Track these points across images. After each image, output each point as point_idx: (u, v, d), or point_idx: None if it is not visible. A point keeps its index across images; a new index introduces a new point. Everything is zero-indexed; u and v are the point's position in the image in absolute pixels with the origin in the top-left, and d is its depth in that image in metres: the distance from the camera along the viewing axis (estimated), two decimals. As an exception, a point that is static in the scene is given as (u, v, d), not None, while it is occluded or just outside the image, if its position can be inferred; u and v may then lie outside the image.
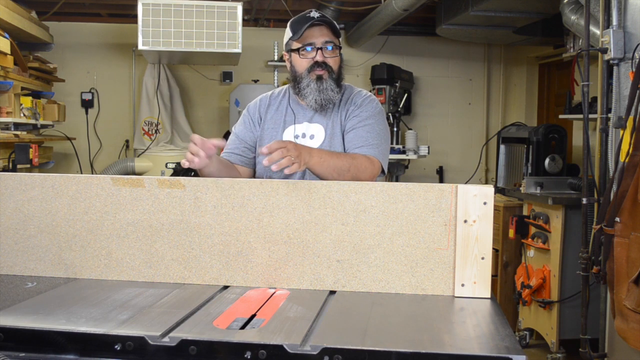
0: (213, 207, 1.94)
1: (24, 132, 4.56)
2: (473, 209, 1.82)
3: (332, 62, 2.29)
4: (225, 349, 1.42)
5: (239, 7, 4.89)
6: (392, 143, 5.68)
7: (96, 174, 6.20)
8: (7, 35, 4.25)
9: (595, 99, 3.51)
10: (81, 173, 6.10)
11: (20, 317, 1.59)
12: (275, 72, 6.43)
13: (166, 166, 5.72)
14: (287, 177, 2.13)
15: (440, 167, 6.79)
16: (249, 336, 1.47)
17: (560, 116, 4.67)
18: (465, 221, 1.83)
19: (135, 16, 4.85)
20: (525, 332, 4.27)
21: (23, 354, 1.45)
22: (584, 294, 3.34)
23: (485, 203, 1.82)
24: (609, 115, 3.15)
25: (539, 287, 3.98)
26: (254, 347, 1.40)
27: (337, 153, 2.22)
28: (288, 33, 2.32)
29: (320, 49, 2.27)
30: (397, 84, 5.91)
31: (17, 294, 1.80)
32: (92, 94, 6.35)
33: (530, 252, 4.15)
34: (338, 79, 2.32)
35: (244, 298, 1.80)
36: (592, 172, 3.36)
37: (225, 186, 1.93)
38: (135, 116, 6.22)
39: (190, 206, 1.94)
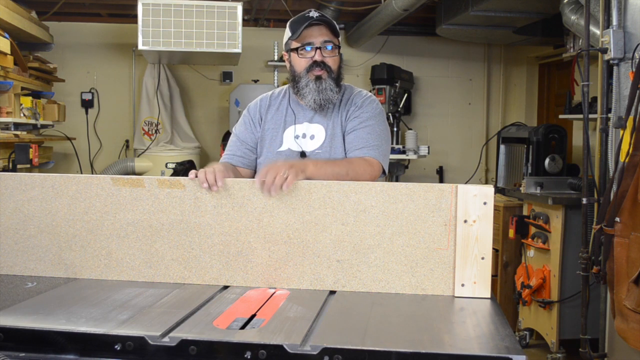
0: (213, 207, 1.94)
1: (24, 132, 4.56)
2: (473, 209, 1.82)
3: (331, 62, 2.29)
4: (225, 349, 1.42)
5: (239, 7, 4.89)
6: (392, 143, 5.68)
7: (96, 174, 6.20)
8: (7, 35, 4.25)
9: (595, 99, 3.51)
10: (81, 173, 6.10)
11: (20, 317, 1.59)
12: (275, 72, 6.43)
13: (166, 166, 5.72)
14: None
15: (440, 167, 6.79)
16: (249, 336, 1.47)
17: (560, 116, 4.66)
18: (465, 221, 1.83)
19: (135, 16, 4.85)
20: (525, 332, 4.27)
21: (23, 354, 1.45)
22: (584, 294, 3.34)
23: (485, 203, 1.82)
24: (609, 115, 3.15)
25: (539, 287, 3.98)
26: (254, 347, 1.40)
27: (332, 160, 2.22)
28: (287, 33, 2.32)
29: (319, 48, 2.27)
30: (397, 84, 5.91)
31: (17, 294, 1.80)
32: (92, 94, 6.35)
33: (530, 252, 4.15)
34: (337, 79, 2.31)
35: (244, 298, 1.80)
36: (592, 172, 3.36)
37: (225, 186, 1.93)
38: (135, 116, 6.22)
39: (190, 206, 1.95)
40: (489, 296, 1.84)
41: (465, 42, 6.45)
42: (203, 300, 1.76)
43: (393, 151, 5.55)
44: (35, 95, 4.82)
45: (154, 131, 6.02)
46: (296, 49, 2.29)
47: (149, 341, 1.43)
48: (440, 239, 1.85)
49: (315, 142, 2.33)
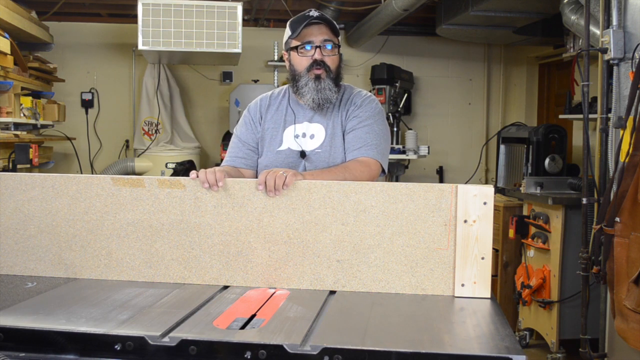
0: (213, 207, 1.94)
1: (24, 132, 4.56)
2: (473, 209, 1.82)
3: (331, 61, 2.29)
4: (225, 349, 1.42)
5: (239, 7, 4.89)
6: (392, 143, 5.68)
7: (96, 174, 6.20)
8: (7, 35, 4.25)
9: (595, 99, 3.51)
10: (81, 173, 6.10)
11: (20, 317, 1.59)
12: (275, 72, 6.43)
13: (166, 166, 5.72)
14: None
15: (440, 167, 6.79)
16: (249, 336, 1.47)
17: (560, 116, 4.66)
18: (465, 221, 1.83)
19: (135, 16, 4.85)
20: (525, 332, 4.26)
21: (23, 354, 1.45)
22: (584, 294, 3.34)
23: (485, 203, 1.82)
24: (609, 115, 3.15)
25: (539, 287, 3.98)
26: (254, 347, 1.40)
27: (327, 168, 2.22)
28: (287, 32, 2.33)
29: (319, 47, 2.27)
30: (397, 84, 5.91)
31: (17, 294, 1.80)
32: (92, 94, 6.35)
33: (530, 252, 4.15)
34: (336, 79, 2.31)
35: (244, 298, 1.80)
36: (592, 172, 3.36)
37: (226, 186, 1.93)
38: (135, 116, 6.22)
39: (190, 206, 1.95)
40: (489, 296, 1.84)
41: (465, 42, 6.45)
42: (203, 300, 1.76)
43: (393, 151, 5.55)
44: (35, 95, 4.82)
45: (154, 131, 6.02)
46: (296, 48, 2.29)
47: (149, 341, 1.43)
48: (440, 239, 1.85)
49: (315, 141, 2.33)
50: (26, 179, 2.02)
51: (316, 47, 2.27)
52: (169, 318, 1.57)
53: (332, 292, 1.89)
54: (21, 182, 2.02)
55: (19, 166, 4.23)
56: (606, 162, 3.18)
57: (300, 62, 2.29)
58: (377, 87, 5.93)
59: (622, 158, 2.76)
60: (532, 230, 4.11)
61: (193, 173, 1.97)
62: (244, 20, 5.04)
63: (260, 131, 2.40)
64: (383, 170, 2.30)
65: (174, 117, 6.13)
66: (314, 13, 2.27)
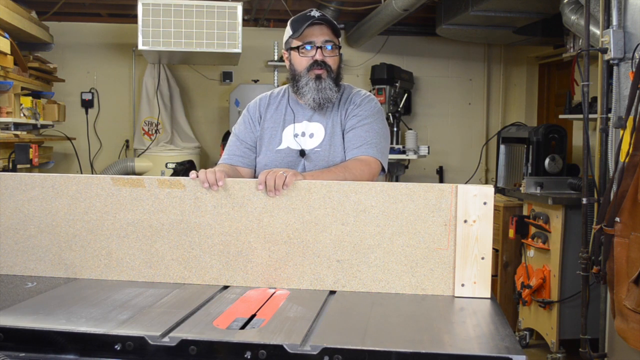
0: (213, 207, 1.94)
1: (24, 132, 4.56)
2: (473, 209, 1.82)
3: (331, 62, 2.29)
4: (225, 349, 1.42)
5: (239, 7, 4.89)
6: (392, 143, 5.68)
7: (96, 174, 6.20)
8: (7, 35, 4.25)
9: (595, 99, 3.51)
10: (81, 173, 6.10)
11: (20, 317, 1.59)
12: (275, 72, 6.43)
13: (166, 166, 5.72)
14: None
15: (440, 167, 6.79)
16: (249, 336, 1.47)
17: (560, 116, 4.66)
18: (465, 221, 1.83)
19: (135, 16, 4.85)
20: (525, 332, 4.26)
21: (23, 354, 1.45)
22: (584, 294, 3.34)
23: (485, 203, 1.82)
24: (609, 115, 3.15)
25: (539, 287, 3.98)
26: (254, 347, 1.40)
27: (327, 168, 2.22)
28: (288, 31, 2.33)
29: (320, 47, 2.27)
30: (397, 84, 5.91)
31: (17, 294, 1.80)
32: (92, 94, 6.35)
33: (530, 252, 4.15)
34: (337, 79, 2.32)
35: (244, 298, 1.80)
36: (592, 172, 3.36)
37: (226, 186, 1.93)
38: (135, 116, 6.22)
39: (190, 206, 1.95)
40: (489, 296, 1.84)
41: (465, 42, 6.45)
42: (203, 300, 1.76)
43: (393, 151, 5.55)
44: (35, 95, 4.82)
45: (154, 131, 6.02)
46: (297, 48, 2.29)
47: (149, 341, 1.43)
48: (440, 239, 1.85)
49: (314, 140, 2.33)
50: (26, 179, 2.02)
51: (317, 47, 2.27)
52: (169, 318, 1.57)
53: (332, 292, 1.89)
54: (21, 182, 2.02)
55: (19, 166, 4.23)
56: (606, 162, 3.18)
57: (301, 62, 2.30)
58: (377, 87, 5.93)
59: (622, 158, 2.76)
60: (532, 230, 4.11)
61: (193, 173, 1.97)
62: (244, 20, 5.04)
63: (259, 130, 2.40)
64: (383, 169, 2.31)
65: (174, 117, 6.13)
66: (315, 13, 2.27)
